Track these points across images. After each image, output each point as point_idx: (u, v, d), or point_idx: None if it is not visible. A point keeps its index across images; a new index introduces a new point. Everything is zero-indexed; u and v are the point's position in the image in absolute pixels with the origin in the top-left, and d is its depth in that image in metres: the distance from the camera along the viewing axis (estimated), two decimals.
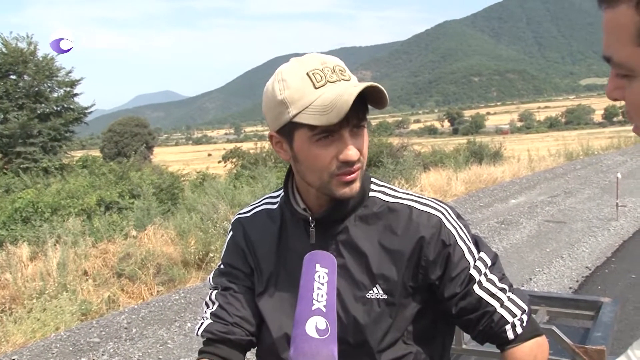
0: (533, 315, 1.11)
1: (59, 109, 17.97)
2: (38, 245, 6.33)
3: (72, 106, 18.07)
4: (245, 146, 24.43)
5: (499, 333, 1.04)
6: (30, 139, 16.63)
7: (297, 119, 0.96)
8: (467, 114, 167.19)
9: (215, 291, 1.15)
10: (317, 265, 0.91)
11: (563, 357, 1.52)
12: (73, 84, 18.05)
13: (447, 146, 19.90)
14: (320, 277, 0.89)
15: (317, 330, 0.84)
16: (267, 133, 1.10)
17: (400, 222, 1.06)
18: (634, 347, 0.66)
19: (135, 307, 5.03)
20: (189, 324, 4.51)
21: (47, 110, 17.78)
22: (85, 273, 5.75)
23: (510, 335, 1.04)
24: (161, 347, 4.13)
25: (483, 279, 1.05)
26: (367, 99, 0.97)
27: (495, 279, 1.06)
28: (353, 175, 0.99)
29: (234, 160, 21.05)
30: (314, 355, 0.80)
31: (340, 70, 0.99)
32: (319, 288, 0.88)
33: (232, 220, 1.21)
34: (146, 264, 5.83)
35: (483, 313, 1.04)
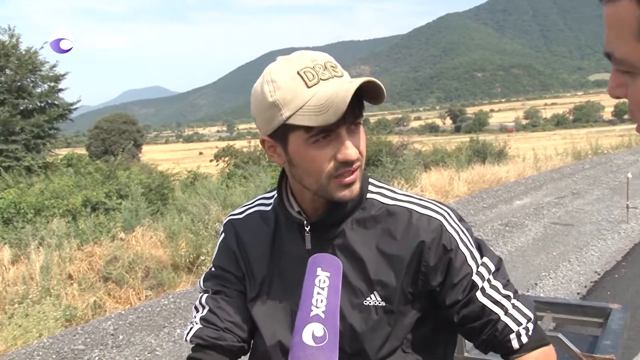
0: (538, 322, 1.11)
1: (42, 104, 17.89)
2: (20, 248, 6.31)
3: (56, 102, 17.99)
4: (239, 144, 24.41)
5: (503, 342, 1.04)
6: (13, 137, 16.56)
7: (291, 121, 0.96)
8: (470, 111, 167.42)
9: (205, 295, 1.15)
10: (319, 269, 0.91)
11: None
12: (57, 78, 17.97)
13: (449, 145, 19.93)
14: (321, 282, 0.89)
15: (314, 337, 0.84)
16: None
17: (399, 226, 1.05)
18: None
19: (123, 312, 5.02)
20: (178, 330, 4.50)
21: (30, 106, 17.70)
22: (70, 277, 5.74)
23: (516, 344, 1.03)
24: (149, 355, 4.12)
25: (486, 285, 1.04)
26: (364, 95, 0.97)
27: (499, 285, 1.05)
28: (352, 177, 0.99)
29: (227, 159, 21.03)
30: None
31: (331, 66, 0.98)
32: (318, 293, 0.88)
33: (224, 222, 1.21)
34: (134, 267, 5.82)
35: (486, 321, 1.03)
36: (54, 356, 4.15)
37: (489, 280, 1.05)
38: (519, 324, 1.04)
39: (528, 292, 4.94)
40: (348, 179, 0.99)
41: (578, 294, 5.01)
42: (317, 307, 0.86)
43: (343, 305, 1.03)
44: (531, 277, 5.41)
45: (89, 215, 7.93)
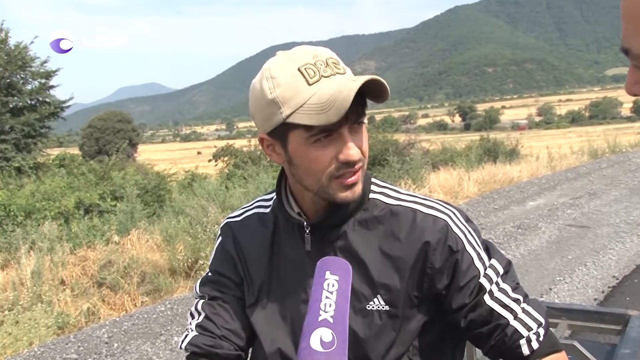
0: (552, 330, 1.11)
1: (33, 102, 17.92)
2: (10, 252, 6.33)
3: (47, 99, 18.03)
4: (238, 143, 24.47)
5: (513, 348, 1.03)
6: (2, 136, 16.60)
7: (291, 119, 0.96)
8: (481, 108, 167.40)
9: (201, 301, 1.15)
10: (327, 273, 0.92)
11: None
12: (49, 75, 18.01)
13: (458, 143, 19.94)
14: (330, 285, 0.90)
15: (322, 342, 0.85)
16: None
17: (403, 227, 1.05)
18: None
19: (117, 319, 5.03)
20: (175, 338, 4.50)
21: (20, 104, 17.73)
22: (63, 282, 5.75)
23: (526, 350, 1.03)
24: None
25: (494, 288, 1.04)
26: (367, 93, 0.97)
27: (508, 288, 1.05)
28: (354, 178, 0.99)
29: (226, 158, 21.08)
30: None
31: (333, 63, 0.99)
32: (327, 297, 0.89)
33: (221, 225, 1.21)
34: (129, 272, 5.83)
35: (495, 326, 1.03)
36: None
37: (497, 283, 1.05)
38: (529, 329, 1.03)
39: (542, 297, 4.93)
40: (350, 180, 0.99)
41: (595, 299, 5.00)
42: (326, 312, 0.87)
43: None
44: (545, 282, 5.40)
45: (82, 218, 7.95)
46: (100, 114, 43.19)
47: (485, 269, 1.05)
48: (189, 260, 6.18)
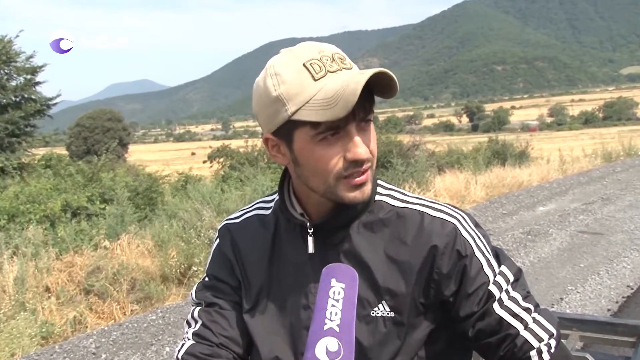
0: (563, 341, 1.11)
1: (18, 99, 17.90)
2: None
3: (33, 96, 17.99)
4: (235, 144, 24.52)
5: (522, 359, 1.04)
6: None
7: (296, 117, 0.97)
8: (489, 108, 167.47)
9: (198, 308, 1.16)
10: (333, 280, 0.92)
11: None
12: (35, 70, 17.98)
13: (465, 145, 19.93)
14: (336, 293, 0.91)
15: (328, 352, 0.86)
16: (259, 128, 1.11)
17: (409, 230, 1.06)
18: None
19: (106, 328, 5.02)
20: (167, 349, 4.50)
21: (4, 101, 17.71)
22: (48, 289, 5.74)
23: None
24: None
25: (504, 296, 1.05)
26: (374, 88, 0.98)
27: (518, 296, 1.06)
28: (363, 177, 1.00)
29: (222, 160, 21.10)
30: None
31: (340, 58, 0.99)
32: (333, 305, 0.89)
33: (219, 227, 1.22)
34: (119, 278, 5.82)
35: (504, 336, 1.04)
36: None
37: (507, 291, 1.05)
38: (540, 339, 1.04)
39: (553, 307, 4.94)
40: (358, 180, 1.00)
41: (608, 310, 5.00)
42: (332, 320, 0.88)
43: None
44: (556, 291, 5.40)
45: (69, 221, 7.94)
46: (89, 112, 43.27)
47: (494, 276, 1.05)
48: (182, 266, 6.18)
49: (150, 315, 5.24)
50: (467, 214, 1.11)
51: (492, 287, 1.04)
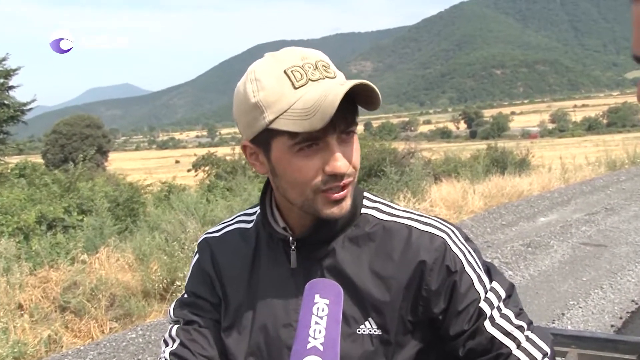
0: (562, 359, 1.12)
1: None
2: None
3: (6, 101, 17.94)
4: (221, 151, 24.54)
5: None
6: None
7: (274, 125, 0.97)
8: (488, 113, 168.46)
9: (176, 326, 1.16)
10: (317, 296, 0.93)
11: None
12: (8, 74, 17.93)
13: (462, 152, 20.00)
14: (319, 310, 0.91)
15: None
16: None
17: (396, 245, 1.06)
18: None
19: (82, 348, 4.99)
20: None
21: None
22: (20, 307, 5.70)
23: None
24: None
25: (496, 314, 1.05)
26: (358, 99, 0.98)
27: (510, 314, 1.06)
28: (342, 193, 1.00)
29: (207, 168, 21.14)
30: None
31: (323, 66, 1.00)
32: (317, 323, 0.89)
33: (199, 241, 1.22)
34: (97, 294, 5.79)
35: (496, 355, 1.04)
36: None
37: (499, 308, 1.06)
38: (533, 359, 1.04)
39: (553, 323, 4.95)
40: (337, 195, 1.00)
41: (612, 326, 5.02)
42: (315, 339, 0.88)
43: None
44: (557, 306, 5.42)
45: (44, 234, 7.90)
46: (66, 118, 43.11)
47: (486, 293, 1.06)
48: (165, 281, 6.16)
49: (130, 333, 5.21)
50: (457, 228, 1.12)
51: (483, 304, 1.05)
